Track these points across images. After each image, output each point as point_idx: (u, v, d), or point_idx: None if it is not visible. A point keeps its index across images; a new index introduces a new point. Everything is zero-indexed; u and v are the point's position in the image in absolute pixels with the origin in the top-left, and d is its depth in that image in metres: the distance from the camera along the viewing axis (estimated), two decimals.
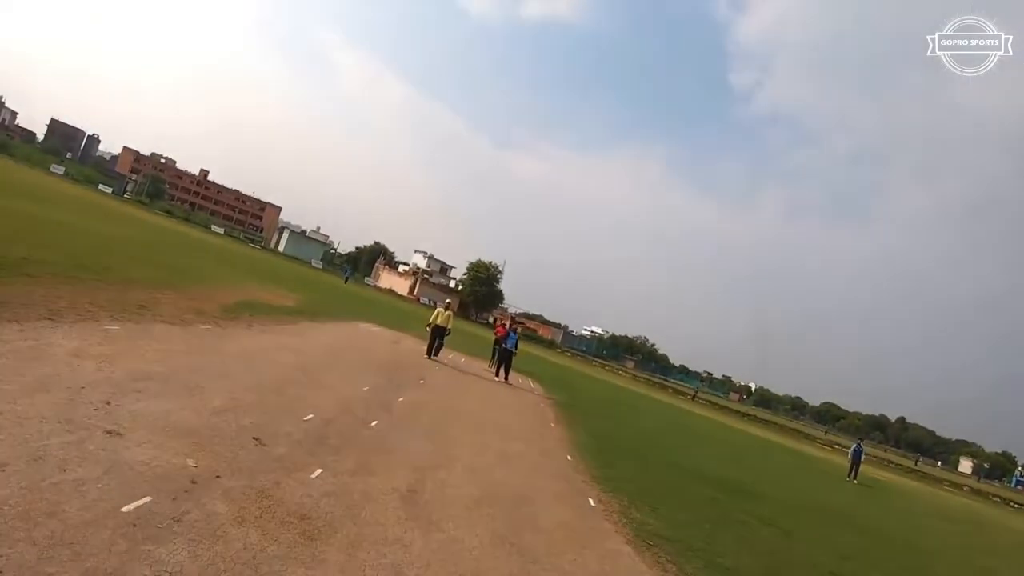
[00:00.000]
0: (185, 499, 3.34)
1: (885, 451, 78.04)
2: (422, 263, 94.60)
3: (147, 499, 3.16)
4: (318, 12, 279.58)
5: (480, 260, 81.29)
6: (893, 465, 46.28)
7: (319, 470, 4.55)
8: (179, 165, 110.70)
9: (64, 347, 5.19)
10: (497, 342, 17.34)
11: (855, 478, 20.71)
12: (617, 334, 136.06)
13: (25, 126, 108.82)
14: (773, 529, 8.07)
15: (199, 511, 3.27)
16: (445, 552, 3.92)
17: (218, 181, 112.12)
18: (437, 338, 15.08)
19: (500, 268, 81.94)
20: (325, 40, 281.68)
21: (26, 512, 2.69)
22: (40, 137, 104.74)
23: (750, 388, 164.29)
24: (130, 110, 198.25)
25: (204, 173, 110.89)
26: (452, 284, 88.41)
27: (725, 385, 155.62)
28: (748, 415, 56.91)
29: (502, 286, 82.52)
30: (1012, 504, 39.57)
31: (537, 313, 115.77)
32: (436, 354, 15.11)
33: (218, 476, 3.79)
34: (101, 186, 64.06)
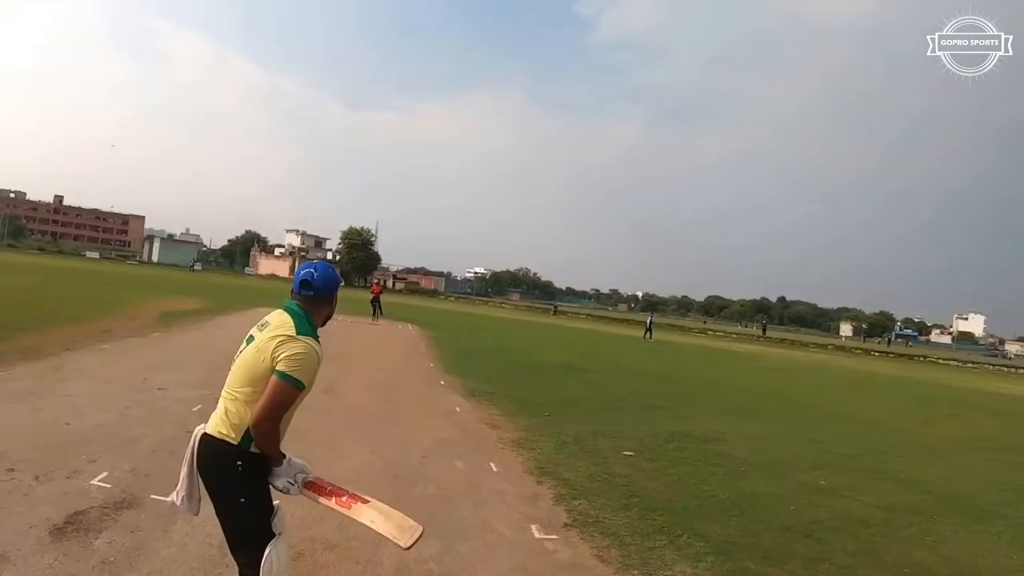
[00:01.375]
0: None
1: (745, 326, 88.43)
2: (296, 242, 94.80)
3: (198, 406, 6.73)
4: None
5: (352, 227, 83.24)
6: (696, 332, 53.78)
7: None
8: (30, 196, 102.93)
9: (89, 363, 8.32)
10: (375, 297, 23.01)
11: (651, 338, 30.94)
12: (498, 270, 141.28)
13: None
14: (585, 378, 12.24)
15: None
16: (350, 405, 7.76)
17: (75, 204, 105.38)
18: (377, 305, 21.22)
19: (373, 232, 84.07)
20: (156, 30, 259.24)
21: (149, 422, 6.23)
22: None
23: (637, 296, 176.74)
24: None
25: (59, 199, 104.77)
26: (329, 256, 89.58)
27: (612, 298, 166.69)
28: (626, 320, 63.45)
29: (378, 248, 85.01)
30: (873, 353, 46.38)
31: (419, 266, 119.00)
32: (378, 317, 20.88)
33: None
34: None
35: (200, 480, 2.51)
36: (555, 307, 68.51)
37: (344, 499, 2.54)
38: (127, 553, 3.31)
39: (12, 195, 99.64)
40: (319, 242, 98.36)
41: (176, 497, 2.60)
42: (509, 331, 27.53)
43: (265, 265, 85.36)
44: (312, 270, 2.55)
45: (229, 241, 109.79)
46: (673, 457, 6.57)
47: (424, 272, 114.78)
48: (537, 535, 4.11)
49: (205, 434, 2.47)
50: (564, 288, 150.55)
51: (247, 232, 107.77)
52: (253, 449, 2.39)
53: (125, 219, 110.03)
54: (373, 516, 2.50)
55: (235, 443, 2.38)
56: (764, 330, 67.04)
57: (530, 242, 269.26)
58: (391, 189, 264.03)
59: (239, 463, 2.38)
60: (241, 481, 2.40)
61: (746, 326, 70.10)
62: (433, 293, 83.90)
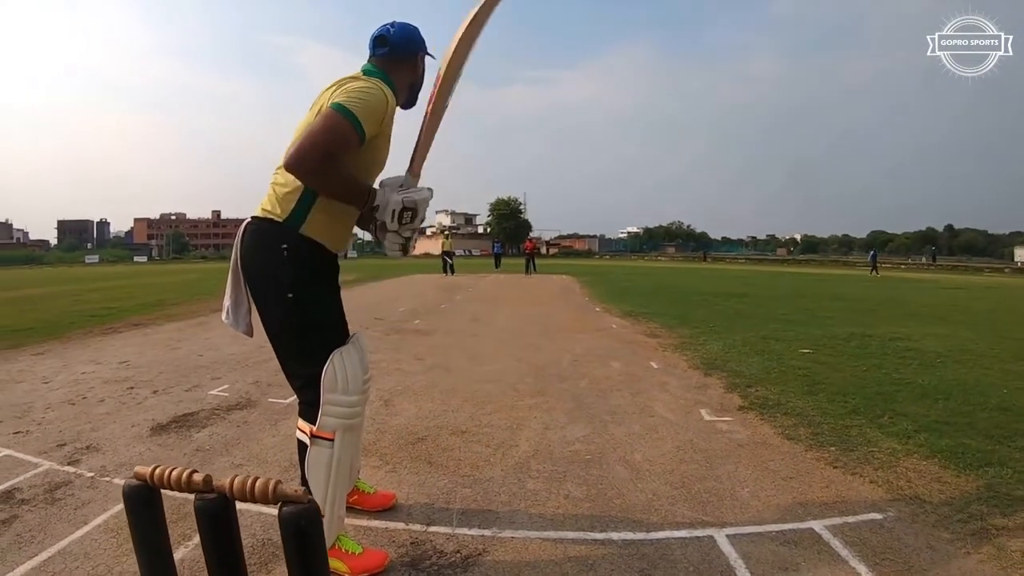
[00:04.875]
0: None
1: (910, 260, 77.92)
2: (447, 220, 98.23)
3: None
4: None
5: (499, 198, 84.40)
6: (904, 267, 48.52)
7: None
8: (190, 216, 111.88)
9: None
10: (528, 254, 25.10)
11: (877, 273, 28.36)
12: (652, 227, 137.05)
13: (35, 237, 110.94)
14: (747, 302, 11.65)
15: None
16: (497, 329, 7.77)
17: (234, 216, 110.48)
18: (448, 259, 21.72)
19: (520, 201, 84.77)
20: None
21: None
22: (54, 241, 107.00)
23: (795, 239, 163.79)
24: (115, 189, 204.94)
25: (216, 214, 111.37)
26: (480, 230, 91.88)
27: (770, 244, 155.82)
28: (786, 261, 59.41)
29: (528, 216, 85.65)
30: None
31: (571, 232, 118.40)
32: (452, 272, 21.18)
33: None
34: (136, 257, 67.80)
35: (247, 286, 1.96)
36: (704, 254, 65.77)
37: None
38: (226, 442, 3.24)
39: (173, 217, 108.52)
40: (469, 219, 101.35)
41: (223, 312, 2.06)
42: (664, 275, 26.02)
43: (419, 246, 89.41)
44: (388, 25, 2.04)
45: None
46: (856, 353, 5.93)
47: (576, 236, 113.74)
48: (707, 417, 3.70)
49: (248, 220, 1.96)
50: (719, 238, 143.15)
51: None
52: (305, 232, 1.86)
53: None
54: None
55: (280, 220, 1.85)
56: (934, 258, 59.77)
57: (681, 197, 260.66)
58: (536, 164, 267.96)
59: (284, 246, 1.84)
60: (287, 270, 1.84)
61: (911, 260, 62.20)
62: (588, 253, 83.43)
